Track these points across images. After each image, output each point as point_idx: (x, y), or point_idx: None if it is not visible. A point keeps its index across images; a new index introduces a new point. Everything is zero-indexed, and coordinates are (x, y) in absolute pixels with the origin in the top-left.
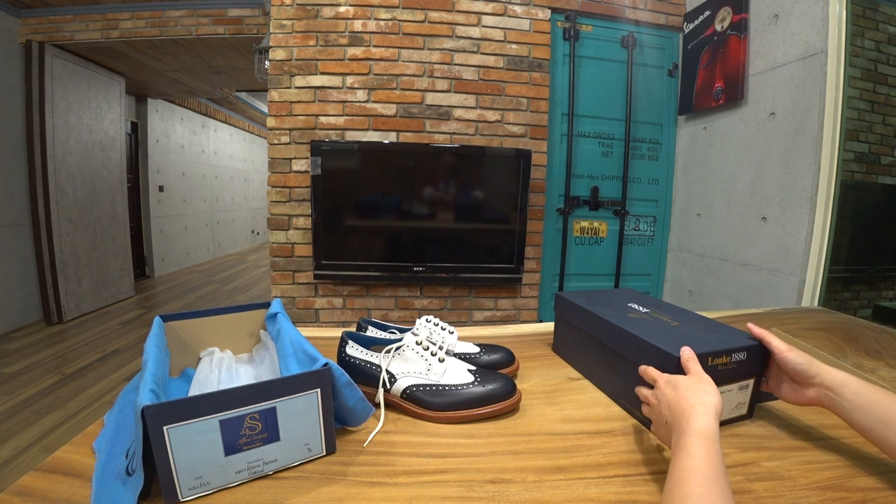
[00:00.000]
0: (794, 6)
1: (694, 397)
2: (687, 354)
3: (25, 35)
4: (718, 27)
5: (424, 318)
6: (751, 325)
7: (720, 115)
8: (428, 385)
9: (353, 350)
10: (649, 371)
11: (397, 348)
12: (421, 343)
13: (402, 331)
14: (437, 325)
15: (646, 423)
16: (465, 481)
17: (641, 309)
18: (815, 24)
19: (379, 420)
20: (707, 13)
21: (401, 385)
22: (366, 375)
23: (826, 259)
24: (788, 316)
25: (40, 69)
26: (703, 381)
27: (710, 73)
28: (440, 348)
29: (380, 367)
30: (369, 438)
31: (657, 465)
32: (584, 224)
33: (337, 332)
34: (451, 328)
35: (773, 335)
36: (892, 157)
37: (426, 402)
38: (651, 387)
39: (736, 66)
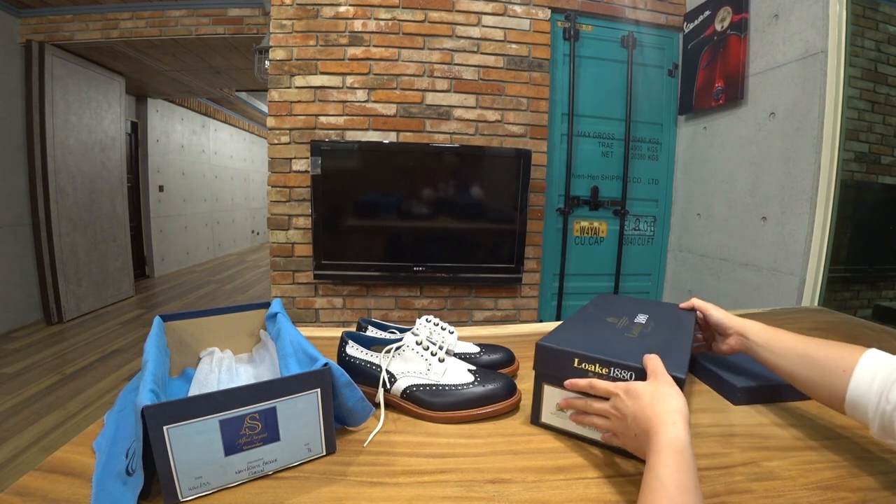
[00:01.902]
0: (794, 6)
1: (659, 405)
2: (650, 355)
3: (25, 35)
4: (718, 27)
5: (424, 318)
6: (685, 303)
7: (720, 115)
8: (428, 385)
9: (353, 350)
10: (597, 384)
11: (397, 348)
12: (421, 343)
13: (402, 331)
14: (437, 324)
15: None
16: (465, 481)
17: (632, 319)
18: (815, 23)
19: (379, 420)
20: (707, 13)
21: (401, 385)
22: (366, 375)
23: (826, 259)
24: (788, 316)
25: (40, 69)
26: (661, 382)
27: (710, 72)
28: (440, 348)
29: (380, 367)
30: (369, 438)
31: None
32: (584, 224)
33: (337, 332)
34: (451, 328)
35: (698, 300)
36: (892, 157)
37: (426, 402)
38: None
39: (736, 66)
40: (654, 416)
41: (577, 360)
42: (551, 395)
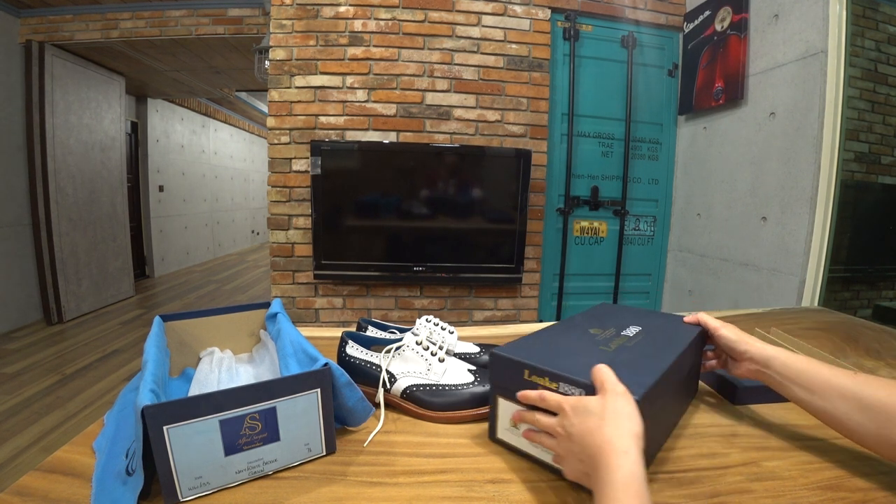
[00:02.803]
0: (794, 6)
1: (610, 426)
2: (598, 366)
3: (25, 35)
4: (718, 27)
5: (424, 317)
6: (690, 317)
7: (720, 115)
8: (428, 385)
9: (353, 350)
10: (547, 397)
11: (397, 348)
12: (421, 343)
13: (402, 331)
14: (437, 324)
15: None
16: (465, 481)
17: (620, 331)
18: (815, 23)
19: (379, 420)
20: (707, 13)
21: (401, 385)
22: (366, 375)
23: (826, 259)
24: (788, 316)
25: (40, 69)
26: (611, 396)
27: (710, 72)
28: (440, 348)
29: (380, 366)
30: (369, 438)
31: (657, 466)
32: (584, 224)
33: (337, 332)
34: (451, 328)
35: (709, 315)
36: (892, 157)
37: (426, 402)
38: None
39: (736, 66)
40: (602, 440)
41: (527, 372)
42: (506, 408)
